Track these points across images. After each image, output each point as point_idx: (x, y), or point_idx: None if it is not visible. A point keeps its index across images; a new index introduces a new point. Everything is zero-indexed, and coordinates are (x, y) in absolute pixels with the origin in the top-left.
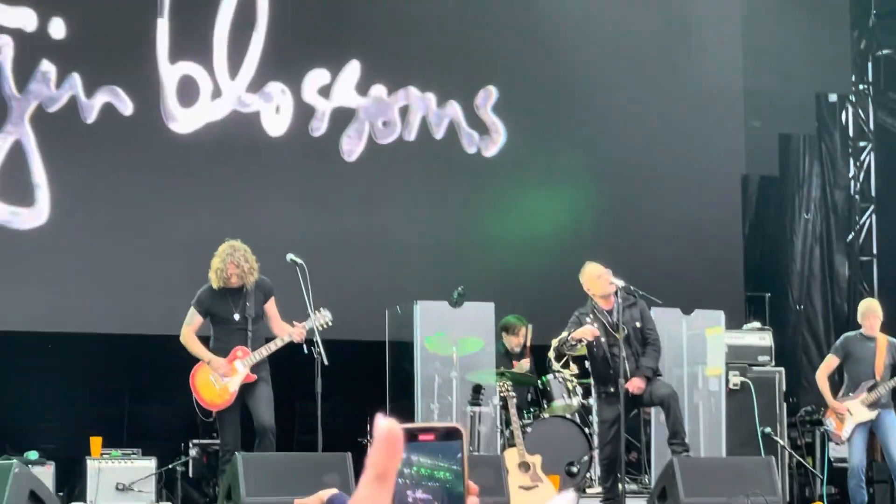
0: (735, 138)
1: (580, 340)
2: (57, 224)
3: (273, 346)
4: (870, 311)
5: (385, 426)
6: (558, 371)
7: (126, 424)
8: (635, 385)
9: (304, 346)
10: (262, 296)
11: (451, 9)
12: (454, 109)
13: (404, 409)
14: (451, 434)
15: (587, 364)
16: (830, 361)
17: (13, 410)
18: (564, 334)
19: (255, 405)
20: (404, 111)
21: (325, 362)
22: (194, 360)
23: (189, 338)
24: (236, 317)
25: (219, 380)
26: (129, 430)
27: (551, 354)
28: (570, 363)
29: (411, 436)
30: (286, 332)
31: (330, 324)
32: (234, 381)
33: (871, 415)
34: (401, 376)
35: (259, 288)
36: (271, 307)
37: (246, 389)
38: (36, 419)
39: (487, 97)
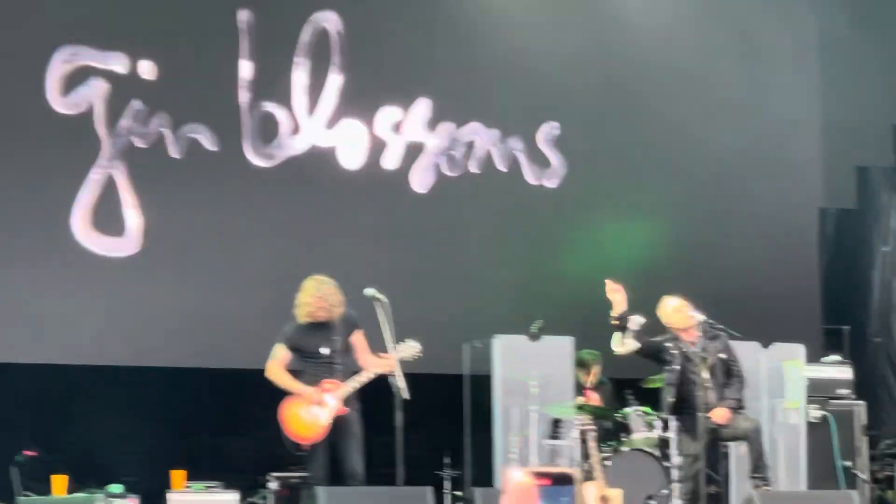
0: (811, 170)
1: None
2: (145, 257)
3: (363, 378)
4: None
5: (520, 480)
6: (636, 405)
7: (207, 457)
8: (721, 415)
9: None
10: (348, 329)
11: (514, 47)
12: (517, 143)
13: (483, 443)
14: (565, 479)
15: (662, 395)
16: None
17: (96, 443)
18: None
19: (345, 449)
20: (470, 145)
21: (407, 396)
22: (275, 393)
23: (276, 371)
24: (324, 350)
25: (308, 413)
26: (211, 463)
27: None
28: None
29: None
30: (374, 365)
31: (420, 354)
32: (324, 413)
33: None
34: (479, 409)
35: (345, 321)
36: (358, 339)
37: (337, 427)
38: (119, 452)
39: (550, 131)
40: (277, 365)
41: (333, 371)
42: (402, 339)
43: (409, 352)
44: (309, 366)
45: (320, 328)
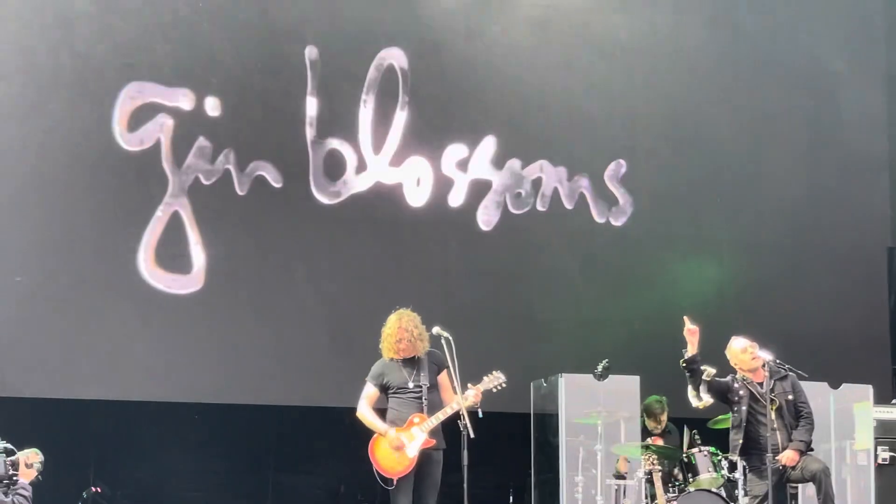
0: (880, 209)
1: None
2: (210, 292)
3: (449, 410)
4: None
5: None
6: (703, 445)
7: (272, 493)
8: (789, 458)
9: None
10: (435, 367)
11: (581, 86)
12: (585, 181)
13: (549, 482)
14: None
15: (729, 435)
16: None
17: (161, 479)
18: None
19: (424, 486)
20: (537, 183)
21: (472, 435)
22: (341, 430)
23: (365, 411)
24: (411, 384)
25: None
26: (275, 500)
27: (691, 393)
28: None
29: None
30: (456, 399)
31: (504, 385)
32: (413, 446)
33: None
34: (545, 448)
35: (432, 359)
36: (444, 378)
37: (422, 465)
38: (184, 488)
39: (617, 169)
40: (366, 405)
41: (421, 406)
42: (468, 377)
43: (494, 382)
44: (397, 402)
45: (407, 364)
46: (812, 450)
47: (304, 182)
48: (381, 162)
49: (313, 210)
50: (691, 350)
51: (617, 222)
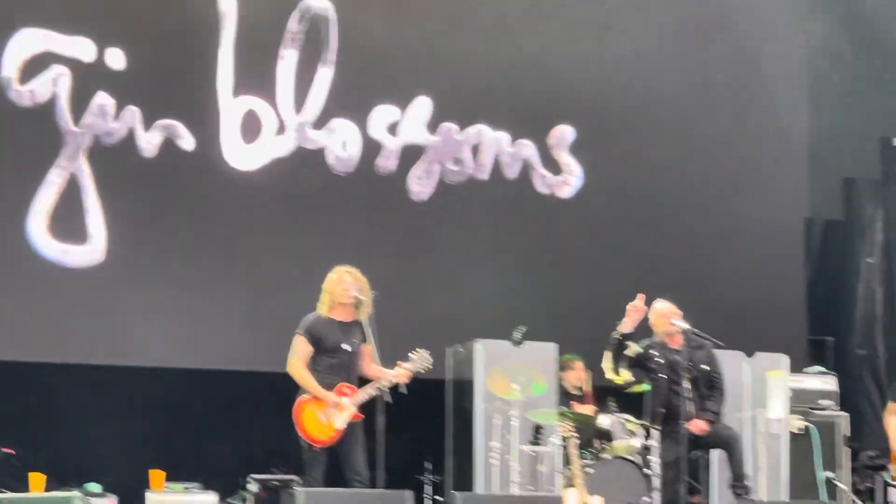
0: (799, 181)
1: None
2: (114, 261)
3: (380, 385)
4: None
5: None
6: (620, 413)
7: (187, 458)
8: (698, 427)
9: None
10: (362, 336)
11: (524, 44)
12: (528, 149)
13: (464, 448)
14: None
15: (645, 402)
16: (893, 407)
17: (75, 442)
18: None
19: (351, 450)
20: (476, 149)
21: (390, 400)
22: (256, 395)
23: (300, 369)
24: (346, 347)
25: (325, 415)
26: (190, 464)
27: (607, 365)
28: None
29: None
30: (387, 375)
31: (431, 367)
32: (341, 417)
33: None
34: (462, 415)
35: (363, 328)
36: (367, 349)
37: (346, 431)
38: (97, 451)
39: (563, 136)
40: (300, 362)
41: (349, 371)
42: (384, 343)
43: (423, 364)
44: (325, 364)
45: (344, 326)
46: (721, 422)
47: (217, 145)
48: (303, 123)
49: (228, 176)
50: (628, 326)
51: (561, 193)
